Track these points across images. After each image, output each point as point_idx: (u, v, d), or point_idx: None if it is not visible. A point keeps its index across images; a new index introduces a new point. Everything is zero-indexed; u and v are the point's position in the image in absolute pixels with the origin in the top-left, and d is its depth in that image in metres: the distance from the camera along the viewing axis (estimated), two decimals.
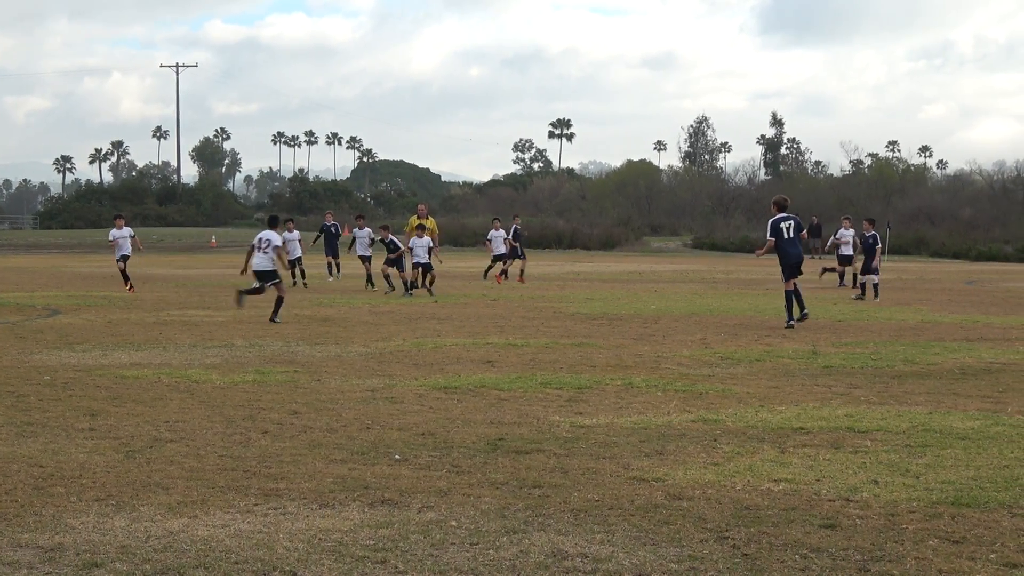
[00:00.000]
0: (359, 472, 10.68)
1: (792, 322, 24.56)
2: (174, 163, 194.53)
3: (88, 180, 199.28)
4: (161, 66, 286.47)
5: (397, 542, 8.40)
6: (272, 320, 25.39)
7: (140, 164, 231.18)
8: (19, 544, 8.28)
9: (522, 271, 44.27)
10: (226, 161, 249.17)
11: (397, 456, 11.42)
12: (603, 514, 9.18)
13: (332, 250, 43.63)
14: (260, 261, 26.32)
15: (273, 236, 26.30)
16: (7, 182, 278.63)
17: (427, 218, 37.81)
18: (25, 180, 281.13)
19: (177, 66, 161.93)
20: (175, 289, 38.51)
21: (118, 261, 37.93)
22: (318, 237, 44.11)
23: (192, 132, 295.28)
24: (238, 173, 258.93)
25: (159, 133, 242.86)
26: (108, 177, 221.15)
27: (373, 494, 9.83)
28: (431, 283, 35.12)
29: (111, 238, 39.08)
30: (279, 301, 25.85)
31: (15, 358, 19.24)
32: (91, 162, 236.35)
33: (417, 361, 19.16)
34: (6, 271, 50.98)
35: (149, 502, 9.52)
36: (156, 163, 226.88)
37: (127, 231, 38.64)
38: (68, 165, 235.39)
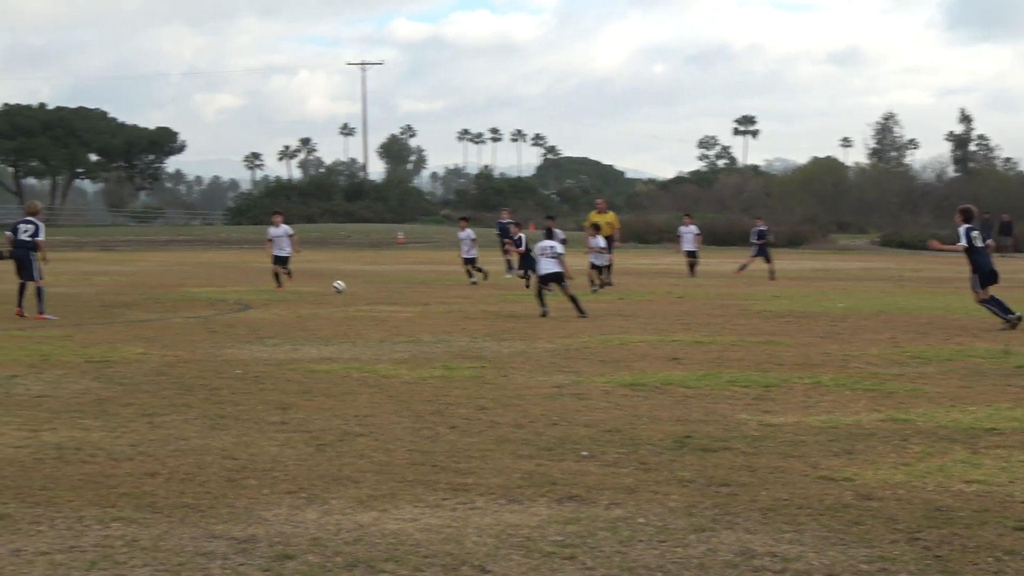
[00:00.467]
0: (546, 468, 10.71)
1: (1013, 316, 23.80)
2: (361, 160, 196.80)
3: (277, 176, 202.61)
4: (347, 64, 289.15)
5: (585, 538, 8.40)
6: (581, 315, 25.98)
7: (327, 161, 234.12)
8: (213, 535, 8.44)
9: (771, 271, 43.77)
10: (412, 158, 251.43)
11: (584, 453, 11.41)
12: (792, 513, 9.09)
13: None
14: (547, 264, 26.79)
15: (554, 244, 27.09)
16: (198, 178, 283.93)
17: (606, 212, 37.63)
18: (216, 177, 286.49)
19: (363, 64, 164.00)
20: (363, 285, 38.94)
21: (275, 263, 37.07)
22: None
23: (378, 129, 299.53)
24: (424, 170, 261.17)
25: (346, 130, 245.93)
26: (296, 173, 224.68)
27: (560, 490, 9.84)
28: (588, 286, 34.22)
29: (268, 236, 38.46)
30: (574, 299, 26.47)
31: (207, 352, 19.63)
32: (280, 159, 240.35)
33: (603, 358, 19.14)
34: (198, 266, 52.06)
35: (340, 495, 9.65)
36: (343, 160, 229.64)
37: (284, 229, 37.58)
38: (257, 162, 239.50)
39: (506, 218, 44.55)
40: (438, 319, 25.70)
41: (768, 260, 44.03)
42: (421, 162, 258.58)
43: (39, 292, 25.41)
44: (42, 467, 10.60)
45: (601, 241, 34.85)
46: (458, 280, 40.97)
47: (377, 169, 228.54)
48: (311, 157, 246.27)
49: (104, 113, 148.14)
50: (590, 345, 20.86)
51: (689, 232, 46.02)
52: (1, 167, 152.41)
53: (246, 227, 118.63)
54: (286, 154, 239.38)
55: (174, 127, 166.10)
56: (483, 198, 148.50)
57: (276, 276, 36.60)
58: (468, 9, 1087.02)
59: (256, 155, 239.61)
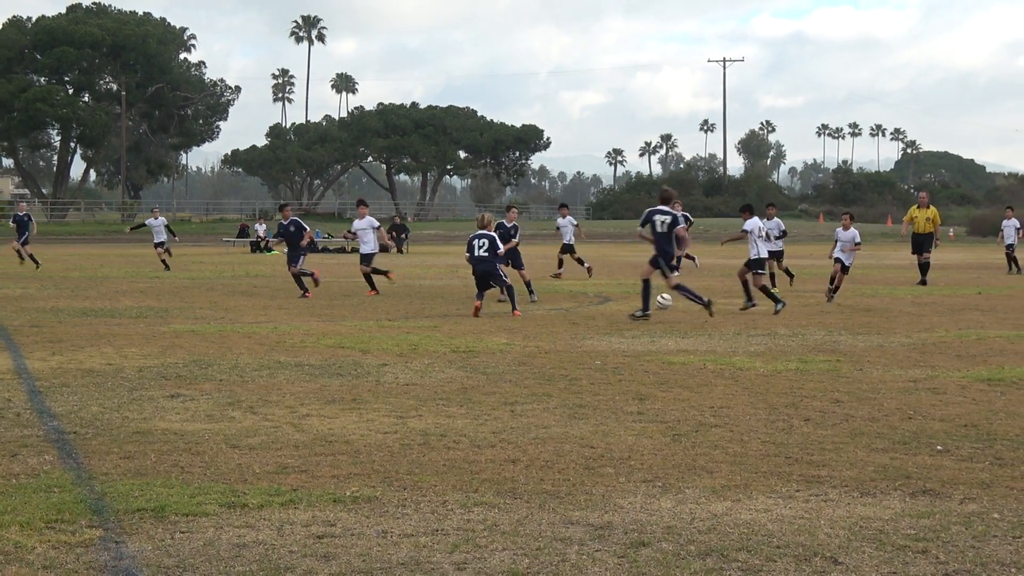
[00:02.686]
0: (900, 462, 10.49)
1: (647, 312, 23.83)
2: (720, 155, 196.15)
3: (638, 172, 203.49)
4: (709, 61, 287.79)
5: (938, 532, 8.21)
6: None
7: (687, 156, 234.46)
8: (570, 521, 8.54)
9: None
10: (771, 153, 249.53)
11: (939, 447, 11.15)
12: None
13: None
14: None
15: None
16: (562, 174, 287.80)
17: (927, 207, 36.35)
18: (579, 172, 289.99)
19: (724, 61, 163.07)
20: (720, 279, 38.82)
21: (362, 264, 31.51)
22: None
23: (738, 125, 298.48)
24: (782, 165, 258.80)
25: (706, 126, 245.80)
26: (657, 169, 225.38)
27: (914, 484, 9.63)
28: None
29: (352, 229, 34.84)
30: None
31: (568, 343, 19.86)
32: (641, 155, 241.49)
33: (959, 352, 18.64)
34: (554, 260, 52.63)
35: (694, 485, 9.64)
36: (703, 155, 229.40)
37: (370, 221, 31.63)
38: (619, 158, 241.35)
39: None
40: (794, 313, 25.44)
41: None
42: (779, 157, 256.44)
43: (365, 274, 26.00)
44: (409, 452, 10.90)
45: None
46: (812, 274, 40.45)
47: (736, 164, 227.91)
48: (671, 153, 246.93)
49: (473, 111, 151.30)
50: (946, 340, 20.34)
51: (1010, 226, 44.64)
52: (375, 164, 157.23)
53: (607, 221, 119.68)
54: (647, 150, 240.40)
55: (540, 124, 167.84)
56: (841, 193, 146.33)
57: (367, 278, 31.61)
58: (831, 5, 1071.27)
59: (618, 151, 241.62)
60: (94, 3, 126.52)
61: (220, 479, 9.70)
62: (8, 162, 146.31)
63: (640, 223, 24.76)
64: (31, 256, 43.50)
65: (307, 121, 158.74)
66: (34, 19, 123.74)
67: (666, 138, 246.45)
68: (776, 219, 33.85)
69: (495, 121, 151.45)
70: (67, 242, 76.68)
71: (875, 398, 14.11)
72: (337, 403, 13.62)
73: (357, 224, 31.79)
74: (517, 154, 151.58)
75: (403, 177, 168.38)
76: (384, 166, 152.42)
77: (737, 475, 9.97)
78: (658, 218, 24.23)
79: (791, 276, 35.11)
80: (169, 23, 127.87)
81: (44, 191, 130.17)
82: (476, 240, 25.19)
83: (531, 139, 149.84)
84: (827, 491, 9.42)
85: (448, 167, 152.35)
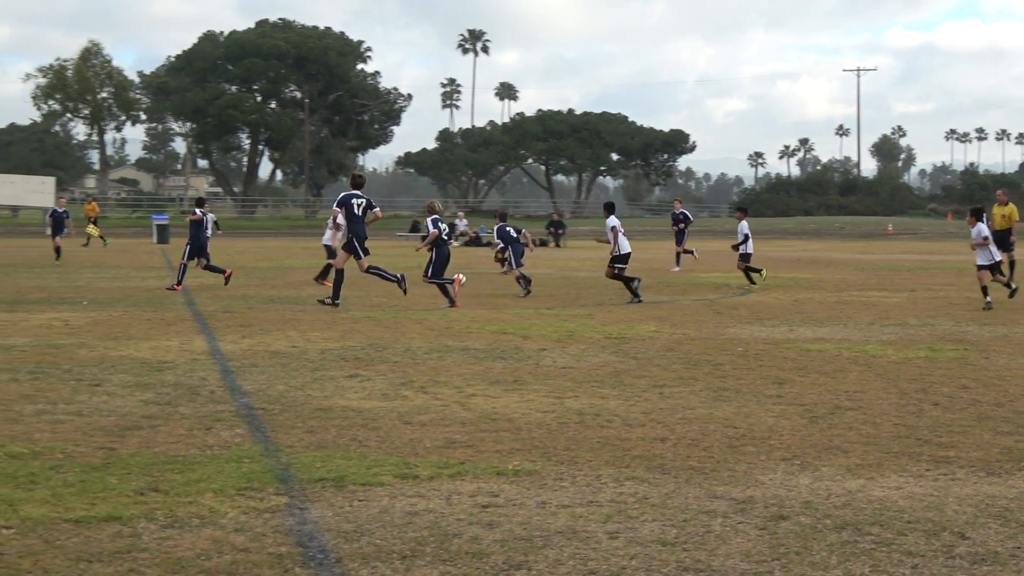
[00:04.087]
0: None
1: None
2: (854, 158, 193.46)
3: (777, 173, 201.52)
4: (844, 70, 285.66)
5: None
6: None
7: (823, 159, 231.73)
8: (714, 495, 8.51)
9: None
10: (902, 156, 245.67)
11: None
12: None
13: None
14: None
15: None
16: (707, 175, 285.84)
17: (1006, 204, 35.14)
18: (722, 173, 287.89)
19: (858, 70, 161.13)
20: (854, 272, 38.35)
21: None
22: None
23: (871, 129, 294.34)
24: (913, 167, 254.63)
25: (841, 131, 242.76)
26: (795, 171, 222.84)
27: None
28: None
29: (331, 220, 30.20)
30: None
31: (712, 331, 19.75)
32: (780, 157, 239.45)
33: None
34: (704, 254, 52.35)
35: (829, 463, 9.56)
36: (838, 158, 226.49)
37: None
38: (760, 160, 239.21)
39: None
40: (924, 304, 25.04)
41: None
42: (910, 160, 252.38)
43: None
44: (565, 430, 10.93)
45: (984, 230, 29.92)
46: (943, 268, 39.77)
47: (869, 166, 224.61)
48: (809, 155, 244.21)
49: (625, 117, 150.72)
50: None
51: None
52: (535, 165, 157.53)
53: (748, 219, 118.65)
54: (786, 153, 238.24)
55: (686, 129, 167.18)
56: (968, 193, 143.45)
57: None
58: (960, 18, 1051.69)
59: (759, 154, 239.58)
60: (280, 19, 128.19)
61: (394, 452, 9.81)
62: (203, 163, 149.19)
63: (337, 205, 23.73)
64: (57, 249, 40.75)
65: (472, 126, 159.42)
66: (226, 33, 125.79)
67: (804, 142, 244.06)
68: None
69: (645, 126, 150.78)
70: (255, 236, 77.94)
71: (1001, 384, 13.85)
72: (500, 384, 13.70)
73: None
74: (665, 156, 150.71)
75: (560, 177, 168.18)
76: (543, 167, 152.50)
77: (870, 455, 9.86)
78: (354, 202, 23.29)
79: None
80: (348, 37, 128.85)
81: (235, 190, 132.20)
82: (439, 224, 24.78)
83: (678, 142, 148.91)
84: (955, 471, 9.28)
85: (601, 168, 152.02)
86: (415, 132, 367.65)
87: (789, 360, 16.02)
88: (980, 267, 24.45)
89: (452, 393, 12.99)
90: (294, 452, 9.76)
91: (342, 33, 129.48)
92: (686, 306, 24.75)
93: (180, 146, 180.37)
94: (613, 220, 26.32)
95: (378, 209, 23.45)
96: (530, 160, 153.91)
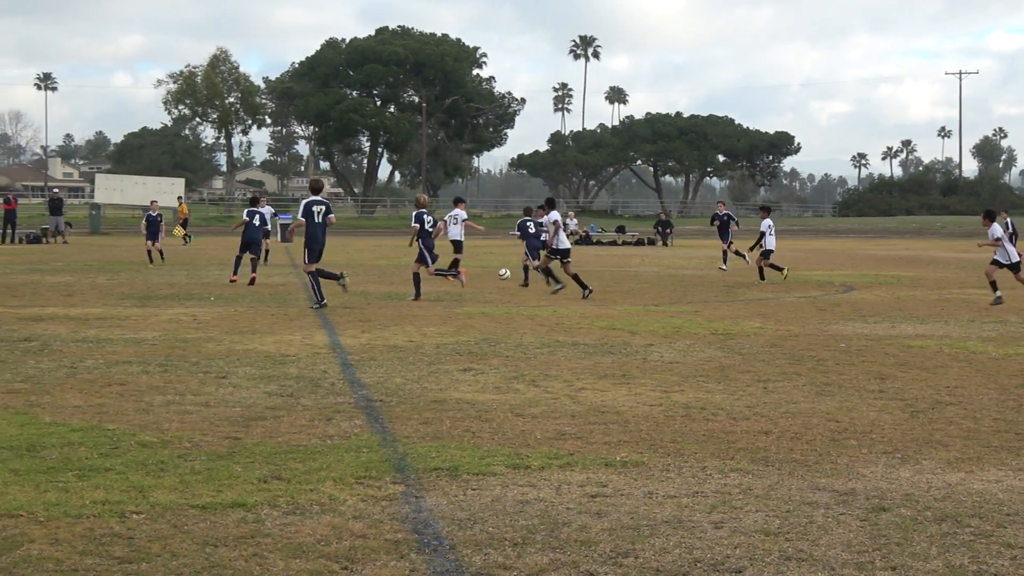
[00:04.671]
0: None
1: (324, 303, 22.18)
2: (956, 159, 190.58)
3: (880, 174, 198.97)
4: (946, 73, 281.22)
5: None
6: None
7: (926, 160, 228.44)
8: (817, 487, 8.45)
9: None
10: (1003, 157, 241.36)
11: None
12: None
13: None
14: None
15: None
16: (811, 176, 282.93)
17: None
18: (826, 174, 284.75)
19: (960, 73, 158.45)
20: (955, 271, 37.79)
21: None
22: None
23: (972, 131, 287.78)
24: (1013, 168, 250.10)
25: (943, 132, 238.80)
26: (897, 172, 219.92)
27: None
28: None
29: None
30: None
31: (816, 327, 19.58)
32: (883, 158, 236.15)
33: None
34: (809, 252, 51.90)
35: (930, 457, 9.45)
36: (940, 159, 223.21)
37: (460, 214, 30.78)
38: (863, 161, 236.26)
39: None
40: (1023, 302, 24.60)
41: None
42: (1011, 161, 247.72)
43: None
44: (672, 423, 10.90)
45: (997, 231, 28.60)
46: None
47: (970, 167, 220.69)
48: (911, 157, 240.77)
49: (731, 120, 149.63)
50: None
51: None
52: (643, 166, 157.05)
53: (851, 219, 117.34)
54: (889, 154, 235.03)
55: (791, 131, 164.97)
56: None
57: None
58: None
59: (862, 155, 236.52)
60: (399, 26, 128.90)
61: (506, 443, 9.85)
62: (325, 164, 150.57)
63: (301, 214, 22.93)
64: (160, 252, 38.86)
65: (583, 129, 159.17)
66: (347, 40, 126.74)
67: (906, 143, 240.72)
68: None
69: (751, 128, 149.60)
70: (374, 235, 78.53)
71: None
72: (609, 378, 13.69)
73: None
74: (770, 157, 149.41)
75: (668, 178, 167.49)
76: (651, 168, 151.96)
77: (970, 449, 9.74)
78: (315, 209, 22.56)
79: None
80: (464, 43, 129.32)
81: (356, 190, 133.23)
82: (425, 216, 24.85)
83: (783, 144, 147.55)
84: None
85: (708, 169, 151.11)
86: (528, 135, 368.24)
87: (891, 356, 15.83)
88: (995, 263, 24.19)
89: (562, 387, 13.01)
90: (410, 442, 9.83)
91: (459, 40, 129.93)
92: (789, 303, 24.55)
93: (303, 148, 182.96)
94: (555, 215, 27.46)
95: (333, 216, 23.11)
96: (639, 161, 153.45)
